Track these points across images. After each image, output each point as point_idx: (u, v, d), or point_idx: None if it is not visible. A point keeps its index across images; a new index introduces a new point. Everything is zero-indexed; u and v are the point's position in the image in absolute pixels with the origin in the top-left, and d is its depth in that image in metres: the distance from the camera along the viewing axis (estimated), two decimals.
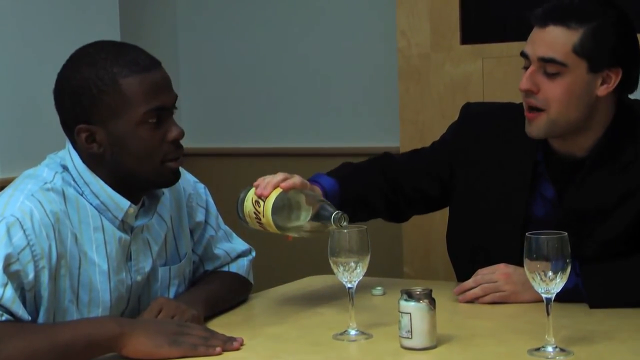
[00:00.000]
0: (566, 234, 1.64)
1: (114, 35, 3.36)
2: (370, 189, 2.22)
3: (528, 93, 2.01)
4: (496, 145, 2.16)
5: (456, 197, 2.23)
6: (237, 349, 1.74)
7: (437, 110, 3.31)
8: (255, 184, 1.92)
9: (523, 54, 2.03)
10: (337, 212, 1.83)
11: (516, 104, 2.14)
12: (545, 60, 1.98)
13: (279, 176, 1.91)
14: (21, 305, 1.71)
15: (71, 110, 1.84)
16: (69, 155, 1.87)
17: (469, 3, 3.28)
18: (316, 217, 1.86)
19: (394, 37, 3.42)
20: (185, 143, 1.90)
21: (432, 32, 3.32)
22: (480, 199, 2.16)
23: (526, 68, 2.02)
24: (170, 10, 4.15)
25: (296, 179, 1.93)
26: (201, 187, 2.15)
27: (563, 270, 1.63)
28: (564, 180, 2.08)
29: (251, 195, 1.92)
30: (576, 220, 2.03)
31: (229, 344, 1.74)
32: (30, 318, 1.73)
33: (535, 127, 2.02)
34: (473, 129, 2.22)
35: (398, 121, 3.41)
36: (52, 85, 1.87)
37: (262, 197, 1.89)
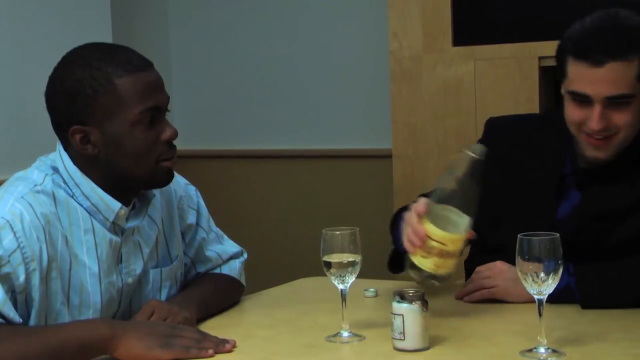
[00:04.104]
0: (558, 235, 1.64)
1: (106, 37, 3.36)
2: None
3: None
4: (523, 157, 2.16)
5: (481, 208, 2.21)
6: (230, 351, 1.74)
7: (429, 112, 3.30)
8: (406, 244, 1.83)
9: (582, 95, 1.99)
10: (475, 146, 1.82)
11: (538, 115, 2.13)
12: (612, 98, 1.97)
13: (412, 210, 1.84)
14: (12, 308, 1.71)
15: (65, 112, 1.83)
16: (60, 157, 1.87)
17: (460, 5, 3.28)
18: (470, 177, 1.82)
19: (385, 39, 3.42)
20: (177, 145, 1.89)
21: (423, 34, 3.32)
22: (506, 212, 2.15)
23: (578, 102, 2.00)
24: (163, 13, 4.15)
25: (421, 200, 1.87)
26: (192, 189, 2.14)
27: (555, 271, 1.63)
28: (589, 184, 2.09)
29: (413, 256, 1.81)
30: (597, 220, 2.05)
31: (221, 346, 1.74)
32: (21, 320, 1.73)
33: (609, 150, 2.03)
34: (498, 142, 2.20)
35: (390, 123, 3.41)
36: (44, 87, 1.86)
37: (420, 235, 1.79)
